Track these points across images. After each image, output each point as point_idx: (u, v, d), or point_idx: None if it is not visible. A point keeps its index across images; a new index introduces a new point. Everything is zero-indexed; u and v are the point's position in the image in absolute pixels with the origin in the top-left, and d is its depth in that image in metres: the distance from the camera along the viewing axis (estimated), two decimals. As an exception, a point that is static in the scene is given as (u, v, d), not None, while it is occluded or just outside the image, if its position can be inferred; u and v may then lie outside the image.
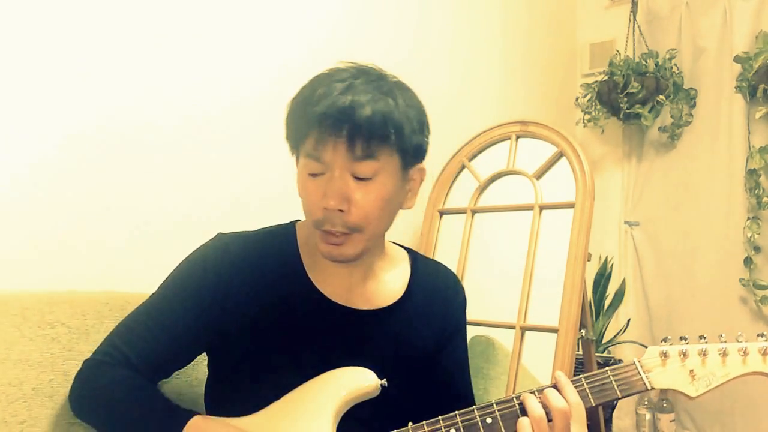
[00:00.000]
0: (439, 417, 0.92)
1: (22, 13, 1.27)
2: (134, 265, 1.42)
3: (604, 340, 2.67)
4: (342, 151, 0.91)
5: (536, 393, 0.92)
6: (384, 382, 0.95)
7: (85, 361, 1.00)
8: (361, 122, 0.90)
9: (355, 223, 0.94)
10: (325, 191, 0.93)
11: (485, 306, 1.84)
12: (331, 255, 0.97)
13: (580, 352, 1.96)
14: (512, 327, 1.75)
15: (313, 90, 0.94)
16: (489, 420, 0.90)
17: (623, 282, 2.77)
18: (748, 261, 2.46)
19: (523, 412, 0.91)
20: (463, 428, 0.90)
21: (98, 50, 1.39)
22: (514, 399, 0.92)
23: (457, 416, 0.91)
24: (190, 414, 0.91)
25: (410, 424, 0.93)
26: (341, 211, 0.93)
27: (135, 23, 1.45)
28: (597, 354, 2.46)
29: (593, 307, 2.62)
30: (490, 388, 1.58)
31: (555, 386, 0.93)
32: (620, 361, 2.58)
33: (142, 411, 0.93)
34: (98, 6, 1.38)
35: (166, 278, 1.04)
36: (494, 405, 0.91)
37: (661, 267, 2.75)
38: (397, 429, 0.93)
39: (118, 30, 1.42)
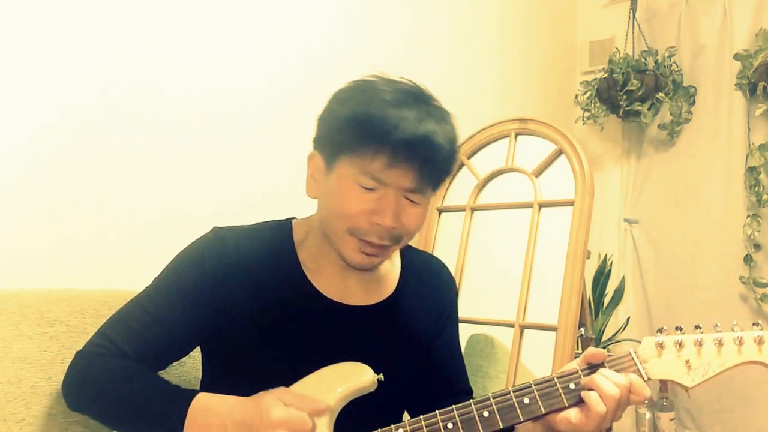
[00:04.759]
0: (436, 411, 0.92)
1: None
2: (132, 264, 1.42)
3: (604, 338, 2.67)
4: (409, 178, 0.93)
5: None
6: (381, 377, 0.95)
7: (77, 353, 0.99)
8: (436, 154, 0.93)
9: (400, 237, 0.98)
10: (376, 207, 0.94)
11: (484, 304, 1.84)
12: (362, 264, 0.99)
13: (580, 350, 1.96)
14: (511, 325, 1.75)
15: (370, 105, 0.92)
16: (486, 413, 0.91)
17: (623, 280, 2.77)
18: (747, 259, 2.46)
19: (521, 404, 0.90)
20: (460, 422, 0.90)
21: (96, 46, 1.39)
22: (511, 392, 0.92)
23: (454, 410, 0.91)
24: (194, 392, 0.91)
25: (406, 417, 0.92)
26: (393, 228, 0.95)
27: (131, 21, 1.45)
28: (596, 352, 2.46)
29: (592, 305, 2.62)
30: (489, 386, 1.58)
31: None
32: (619, 358, 2.57)
33: (143, 393, 0.92)
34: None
35: (162, 271, 1.03)
36: (491, 398, 0.92)
37: (661, 264, 2.75)
38: (393, 422, 0.93)
39: (116, 30, 1.42)
